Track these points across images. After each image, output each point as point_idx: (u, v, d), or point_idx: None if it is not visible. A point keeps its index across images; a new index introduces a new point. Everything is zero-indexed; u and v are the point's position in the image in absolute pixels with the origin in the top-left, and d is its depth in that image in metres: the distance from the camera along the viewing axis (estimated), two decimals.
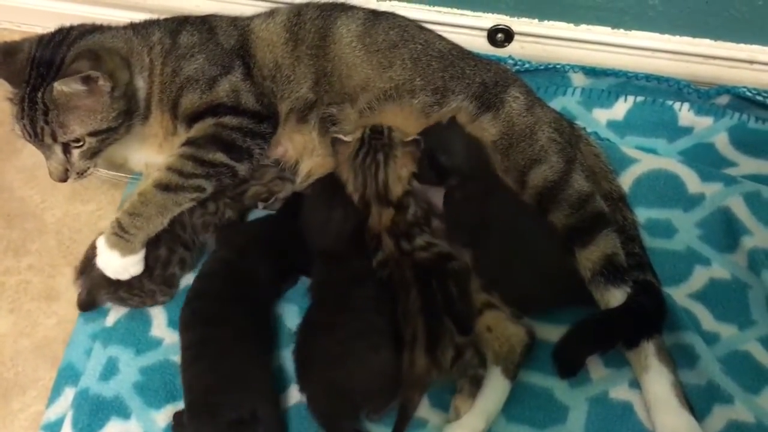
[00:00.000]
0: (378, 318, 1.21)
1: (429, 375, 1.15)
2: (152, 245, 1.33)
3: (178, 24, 1.41)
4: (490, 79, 1.41)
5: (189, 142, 1.33)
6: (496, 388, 1.20)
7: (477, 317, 1.24)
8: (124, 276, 1.30)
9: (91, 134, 1.29)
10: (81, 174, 1.34)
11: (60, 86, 1.23)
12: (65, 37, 1.33)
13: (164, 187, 1.29)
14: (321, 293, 1.28)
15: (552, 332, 1.27)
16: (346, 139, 1.34)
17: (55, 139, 1.28)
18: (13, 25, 1.87)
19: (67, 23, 1.75)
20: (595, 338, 1.21)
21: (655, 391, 1.19)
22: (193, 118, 1.35)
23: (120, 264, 1.29)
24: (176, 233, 1.36)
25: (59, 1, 1.80)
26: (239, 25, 1.44)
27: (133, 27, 1.41)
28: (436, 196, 1.33)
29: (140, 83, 1.34)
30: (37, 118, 1.26)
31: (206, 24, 1.42)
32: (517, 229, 1.30)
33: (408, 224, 1.28)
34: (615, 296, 1.24)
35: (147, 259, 1.32)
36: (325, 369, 1.17)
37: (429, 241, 1.27)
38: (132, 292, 1.34)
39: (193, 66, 1.36)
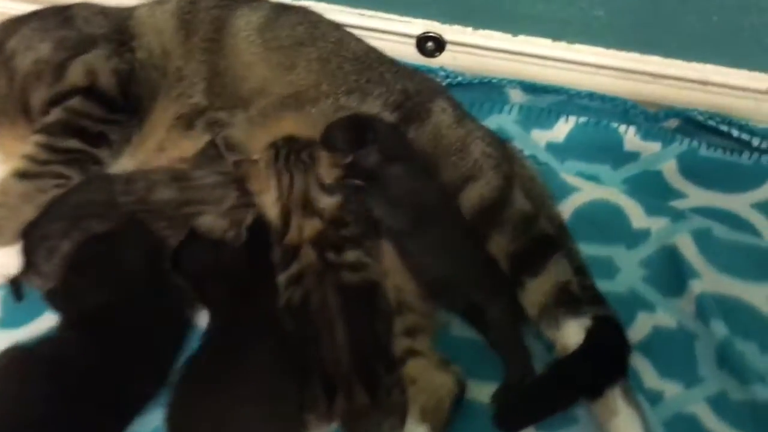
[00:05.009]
0: (276, 380, 1.05)
1: (372, 415, 1.05)
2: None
3: (16, 22, 1.29)
4: (412, 87, 1.30)
5: (42, 129, 1.23)
6: None
7: (399, 366, 1.11)
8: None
9: None
10: None
11: None
12: None
13: (22, 175, 1.20)
14: (215, 339, 1.12)
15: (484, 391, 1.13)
16: (253, 158, 1.19)
17: None
18: None
19: None
20: (544, 403, 1.08)
21: None
22: (48, 108, 1.23)
23: None
24: None
25: None
26: (112, 14, 1.32)
27: None
28: None
29: None
30: None
31: (62, 14, 1.31)
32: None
33: (341, 238, 1.15)
34: (573, 329, 1.11)
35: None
36: None
37: (362, 260, 1.14)
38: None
39: (30, 58, 1.24)
